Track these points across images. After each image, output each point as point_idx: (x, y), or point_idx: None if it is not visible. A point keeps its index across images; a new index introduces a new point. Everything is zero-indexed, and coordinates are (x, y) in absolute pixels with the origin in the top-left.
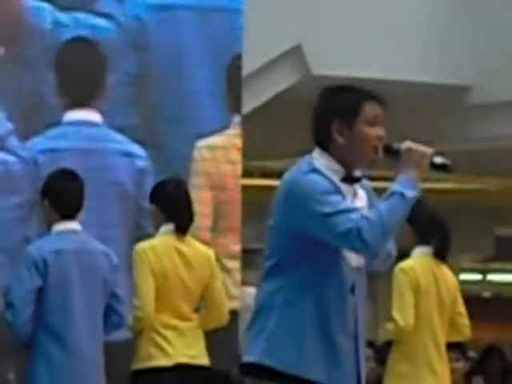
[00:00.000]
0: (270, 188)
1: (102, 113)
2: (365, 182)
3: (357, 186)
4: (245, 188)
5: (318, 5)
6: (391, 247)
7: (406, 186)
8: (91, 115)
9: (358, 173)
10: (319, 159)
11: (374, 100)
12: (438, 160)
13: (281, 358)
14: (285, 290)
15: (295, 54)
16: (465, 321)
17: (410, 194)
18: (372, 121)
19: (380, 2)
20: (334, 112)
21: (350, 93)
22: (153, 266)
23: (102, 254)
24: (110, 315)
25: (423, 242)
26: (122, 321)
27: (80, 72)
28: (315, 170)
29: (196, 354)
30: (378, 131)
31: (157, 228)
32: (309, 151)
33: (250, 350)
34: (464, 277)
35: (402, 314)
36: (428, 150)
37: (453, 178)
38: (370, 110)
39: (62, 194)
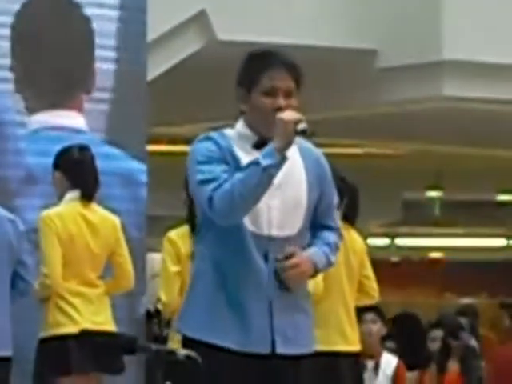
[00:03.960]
0: (177, 154)
1: None
2: (307, 146)
3: (289, 152)
4: (151, 154)
5: None
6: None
7: (264, 154)
8: None
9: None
10: (237, 126)
11: (277, 70)
12: (300, 127)
13: (191, 325)
14: (197, 260)
15: (200, 19)
16: (373, 284)
17: (266, 162)
18: (269, 91)
19: None
20: (239, 80)
21: (255, 61)
22: (59, 233)
23: (8, 221)
24: (17, 282)
25: None
26: (29, 288)
27: None
28: (208, 138)
29: (103, 320)
30: (275, 101)
31: (61, 195)
32: (214, 117)
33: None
34: (372, 241)
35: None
36: (290, 118)
37: (361, 142)
38: (267, 80)
39: None
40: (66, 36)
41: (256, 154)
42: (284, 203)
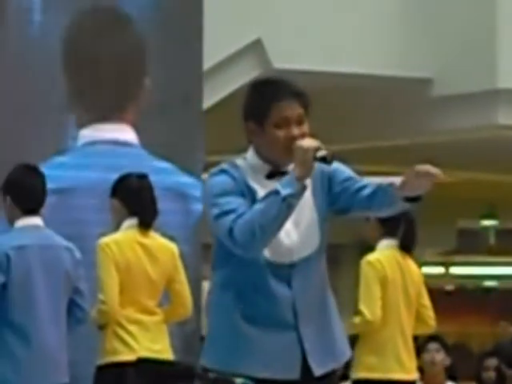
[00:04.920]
0: None
1: None
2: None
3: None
4: None
5: None
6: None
7: (284, 184)
8: None
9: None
10: (248, 157)
11: (285, 100)
12: (319, 154)
13: (219, 359)
14: (214, 292)
15: (256, 47)
16: (429, 313)
17: (286, 191)
18: (281, 122)
19: None
20: (247, 113)
21: (262, 93)
22: (116, 260)
23: (65, 249)
24: (74, 310)
25: (389, 234)
26: (85, 316)
27: None
28: (223, 171)
29: (160, 348)
30: (288, 131)
31: (119, 223)
32: None
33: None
34: (427, 270)
35: (370, 307)
36: (309, 145)
37: None
38: (277, 112)
39: (23, 189)
40: (118, 49)
41: (269, 185)
42: (297, 225)
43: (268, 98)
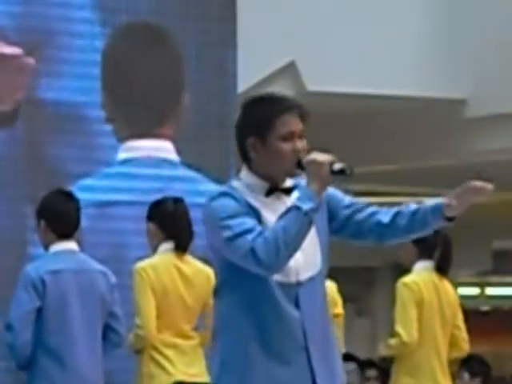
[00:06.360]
0: None
1: None
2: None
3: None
4: None
5: (312, 22)
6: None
7: (304, 198)
8: None
9: (289, 183)
10: (243, 177)
11: (290, 113)
12: (337, 166)
13: (230, 381)
14: (226, 313)
15: (289, 70)
16: (463, 335)
17: (306, 206)
18: (286, 136)
19: (374, 18)
20: (247, 128)
21: (264, 107)
22: (153, 284)
23: (100, 273)
24: (109, 334)
25: (425, 256)
26: (121, 340)
27: None
28: (224, 194)
29: (196, 372)
30: (293, 145)
31: (156, 246)
32: None
33: (211, 370)
34: (462, 291)
35: (406, 328)
36: (325, 159)
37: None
38: (282, 125)
39: (57, 214)
40: (155, 65)
41: (270, 203)
42: (302, 246)
43: (270, 112)
